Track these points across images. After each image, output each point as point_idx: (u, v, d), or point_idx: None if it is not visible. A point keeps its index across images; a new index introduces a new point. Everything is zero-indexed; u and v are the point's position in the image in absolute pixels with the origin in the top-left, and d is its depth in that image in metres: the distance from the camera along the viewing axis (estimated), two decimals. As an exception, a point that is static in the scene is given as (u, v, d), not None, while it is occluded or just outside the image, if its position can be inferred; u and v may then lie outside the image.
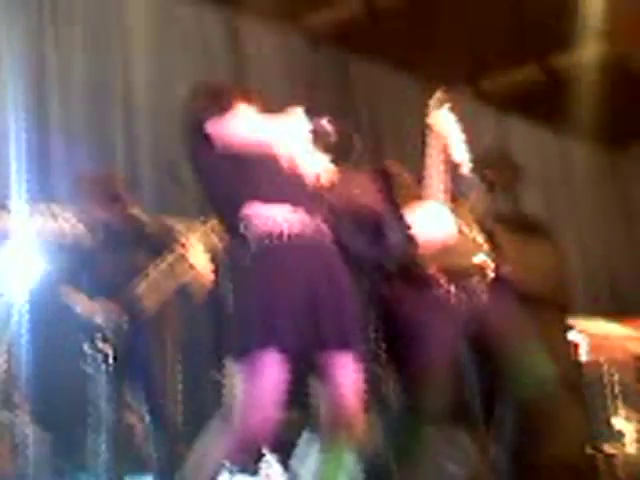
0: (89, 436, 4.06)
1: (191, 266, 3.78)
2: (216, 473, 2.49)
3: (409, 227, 2.75)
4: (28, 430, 4.63)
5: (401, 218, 2.78)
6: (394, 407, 3.00)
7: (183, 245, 3.78)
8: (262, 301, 2.46)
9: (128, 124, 6.50)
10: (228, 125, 2.60)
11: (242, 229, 2.55)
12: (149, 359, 4.00)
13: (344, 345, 2.55)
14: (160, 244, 3.92)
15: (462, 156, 2.95)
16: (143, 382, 3.98)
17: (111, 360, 3.87)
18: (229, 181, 2.61)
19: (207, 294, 3.91)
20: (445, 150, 2.90)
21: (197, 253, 3.77)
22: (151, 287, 3.84)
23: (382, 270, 2.89)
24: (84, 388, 4.31)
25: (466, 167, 2.96)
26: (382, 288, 2.91)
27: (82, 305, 3.95)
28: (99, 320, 3.88)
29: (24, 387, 4.89)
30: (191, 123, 2.67)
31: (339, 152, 2.61)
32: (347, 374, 2.54)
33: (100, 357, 3.88)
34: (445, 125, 2.92)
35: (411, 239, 2.74)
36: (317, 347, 2.53)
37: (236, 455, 2.57)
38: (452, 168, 2.92)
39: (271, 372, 2.41)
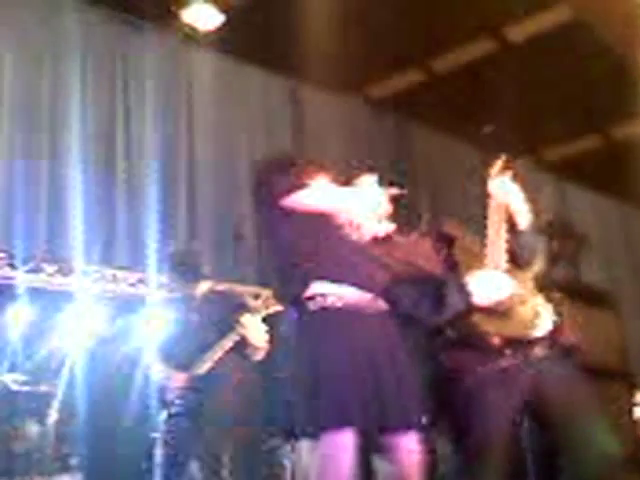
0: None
1: (251, 345, 4.22)
2: None
3: (469, 292, 2.72)
4: None
5: (462, 283, 2.75)
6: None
7: (243, 325, 4.19)
8: (332, 379, 2.47)
9: (190, 188, 6.61)
10: (302, 197, 2.64)
11: (307, 303, 2.57)
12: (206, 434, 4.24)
13: (407, 424, 2.58)
14: (226, 323, 4.27)
15: (525, 219, 2.93)
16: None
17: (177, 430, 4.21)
18: (297, 251, 2.63)
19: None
20: (507, 216, 2.88)
21: (256, 331, 4.18)
22: (217, 363, 4.22)
23: (442, 337, 2.85)
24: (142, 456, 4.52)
25: (529, 230, 2.93)
26: (442, 357, 2.87)
27: (161, 377, 4.34)
28: (172, 396, 4.25)
29: (82, 450, 4.99)
30: (264, 194, 2.70)
31: (404, 220, 2.65)
32: (411, 454, 2.56)
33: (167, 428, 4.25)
34: (506, 192, 2.90)
35: (470, 304, 2.72)
36: (382, 427, 2.54)
37: None
38: (515, 235, 2.88)
39: (347, 452, 2.44)
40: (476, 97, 8.12)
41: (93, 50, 6.37)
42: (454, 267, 2.94)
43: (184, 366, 4.27)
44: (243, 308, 4.34)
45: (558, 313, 3.07)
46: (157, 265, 5.81)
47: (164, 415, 4.28)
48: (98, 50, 6.40)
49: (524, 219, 2.93)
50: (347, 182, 2.79)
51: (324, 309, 2.55)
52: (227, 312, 4.32)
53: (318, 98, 7.76)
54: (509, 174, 2.94)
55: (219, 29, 6.77)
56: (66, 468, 4.93)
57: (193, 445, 4.22)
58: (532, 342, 2.82)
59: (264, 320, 4.27)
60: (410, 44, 7.44)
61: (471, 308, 2.73)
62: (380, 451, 2.57)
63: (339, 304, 2.57)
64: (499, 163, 2.94)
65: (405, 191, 2.85)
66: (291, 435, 4.86)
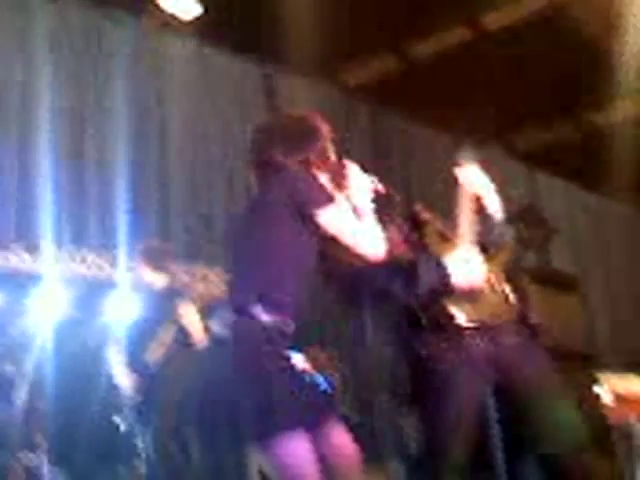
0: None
1: (188, 333, 4.49)
2: None
3: (444, 269, 2.76)
4: (46, 470, 4.86)
5: (438, 262, 2.80)
6: (417, 458, 2.98)
7: (180, 315, 4.47)
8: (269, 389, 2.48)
9: (163, 173, 6.59)
10: (331, 217, 2.57)
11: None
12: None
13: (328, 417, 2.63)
14: (171, 313, 4.55)
15: (494, 207, 2.97)
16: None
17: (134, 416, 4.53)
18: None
19: None
20: (475, 203, 2.92)
21: (191, 320, 4.46)
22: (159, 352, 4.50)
23: (415, 322, 2.88)
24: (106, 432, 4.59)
25: (499, 218, 2.97)
26: (415, 342, 2.90)
27: (119, 372, 4.62)
28: (127, 391, 4.56)
29: (46, 428, 5.02)
30: (290, 196, 2.59)
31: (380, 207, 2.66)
32: (339, 436, 2.62)
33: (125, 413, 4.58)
34: (474, 179, 2.94)
35: (446, 283, 2.75)
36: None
37: None
38: (483, 220, 2.93)
39: (303, 451, 2.47)
40: (451, 84, 8.16)
41: (64, 37, 6.32)
42: (424, 251, 2.98)
43: (134, 360, 4.55)
44: (184, 297, 4.60)
45: (524, 296, 3.13)
46: (128, 249, 5.80)
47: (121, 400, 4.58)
48: (69, 37, 6.35)
49: (493, 208, 2.97)
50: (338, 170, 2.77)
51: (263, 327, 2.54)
52: (174, 306, 4.55)
53: (292, 84, 7.74)
54: (478, 164, 2.97)
55: (193, 17, 6.75)
56: (31, 447, 4.95)
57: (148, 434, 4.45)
58: (501, 325, 2.86)
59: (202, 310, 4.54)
60: (386, 31, 7.46)
61: (446, 288, 2.77)
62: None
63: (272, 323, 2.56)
64: (466, 151, 2.98)
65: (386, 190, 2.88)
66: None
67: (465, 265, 2.78)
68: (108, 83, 6.42)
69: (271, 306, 2.54)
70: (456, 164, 2.98)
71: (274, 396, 2.46)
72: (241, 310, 2.54)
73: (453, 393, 2.76)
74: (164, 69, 6.80)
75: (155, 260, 4.72)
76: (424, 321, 2.84)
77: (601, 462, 4.57)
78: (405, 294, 2.79)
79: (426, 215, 3.09)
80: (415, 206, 3.16)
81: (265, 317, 2.53)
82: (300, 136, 2.73)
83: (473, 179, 2.95)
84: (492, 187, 2.98)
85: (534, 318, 3.00)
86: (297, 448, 2.46)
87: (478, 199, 2.93)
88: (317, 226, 2.58)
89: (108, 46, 6.49)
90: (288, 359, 2.60)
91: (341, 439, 2.63)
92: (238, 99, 7.30)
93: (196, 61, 6.98)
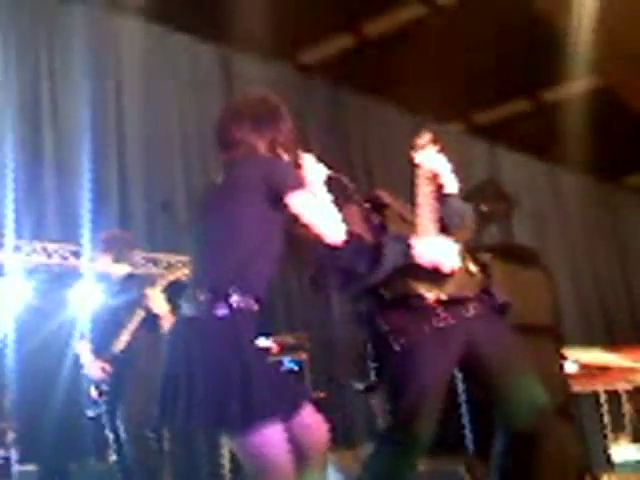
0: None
1: (156, 318, 4.46)
2: None
3: (410, 247, 2.78)
4: (16, 464, 4.88)
5: (403, 240, 2.81)
6: (382, 435, 2.98)
7: (149, 299, 4.44)
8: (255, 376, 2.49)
9: (121, 159, 6.52)
10: (303, 202, 2.58)
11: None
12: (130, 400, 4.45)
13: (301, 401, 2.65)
14: (136, 300, 4.52)
15: (452, 187, 2.99)
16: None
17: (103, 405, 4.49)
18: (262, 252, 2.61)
19: None
20: (434, 183, 2.94)
21: (157, 301, 4.44)
22: (127, 339, 4.49)
23: (378, 298, 2.88)
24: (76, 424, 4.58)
25: (457, 198, 3.00)
26: (378, 319, 2.90)
27: (86, 361, 4.56)
28: (96, 377, 4.51)
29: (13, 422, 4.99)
30: (265, 177, 2.59)
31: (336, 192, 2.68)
32: (310, 417, 2.64)
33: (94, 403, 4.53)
34: (431, 160, 2.96)
35: (410, 261, 2.77)
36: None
37: None
38: (442, 200, 2.95)
39: (278, 440, 2.48)
40: (407, 61, 8.16)
41: (17, 21, 6.21)
42: (385, 232, 2.98)
43: (101, 349, 4.51)
44: (149, 282, 4.59)
45: (488, 274, 3.14)
46: (90, 238, 5.75)
47: (92, 392, 4.51)
48: (22, 21, 6.24)
49: (452, 187, 2.98)
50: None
51: (236, 309, 2.54)
52: (139, 291, 4.53)
53: (248, 65, 7.69)
54: (435, 146, 2.99)
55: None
56: (1, 443, 4.92)
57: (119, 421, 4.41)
58: (465, 301, 2.87)
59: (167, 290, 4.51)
60: (340, 9, 7.43)
61: (410, 266, 2.77)
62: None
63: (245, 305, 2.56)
64: (425, 136, 2.99)
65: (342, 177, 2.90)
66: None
67: (431, 244, 2.80)
68: (61, 67, 6.32)
69: (244, 288, 2.53)
70: (413, 146, 2.99)
71: (250, 383, 2.46)
72: (216, 291, 2.52)
73: (417, 368, 2.76)
74: (119, 52, 6.71)
75: (115, 249, 4.70)
76: (387, 296, 2.84)
77: (564, 429, 4.65)
78: (370, 272, 2.80)
79: (386, 198, 3.10)
80: (375, 190, 3.17)
81: (239, 299, 2.52)
82: (267, 116, 2.72)
83: (430, 160, 2.96)
84: (449, 167, 2.99)
85: (498, 293, 2.99)
86: (272, 437, 2.46)
87: (436, 180, 2.95)
88: (287, 209, 2.57)
89: (59, 28, 6.39)
90: (261, 345, 2.61)
91: (312, 420, 2.65)
92: (194, 80, 7.23)
93: (150, 43, 6.89)
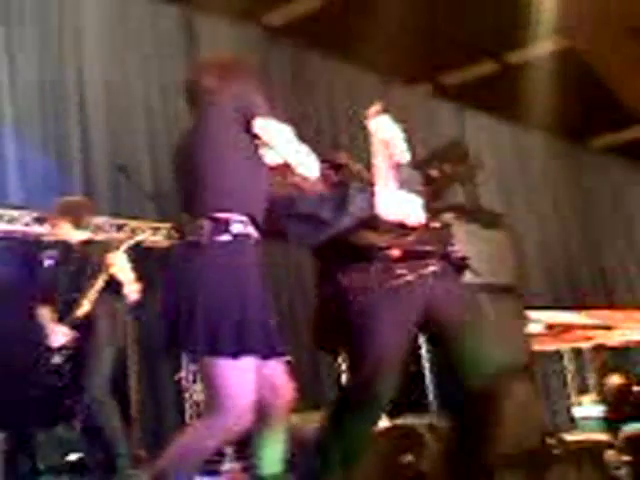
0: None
1: (119, 282, 4.46)
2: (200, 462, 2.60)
3: (374, 196, 2.79)
4: None
5: (369, 191, 2.83)
6: (345, 393, 2.98)
7: (111, 264, 4.41)
8: (235, 304, 2.56)
9: (83, 123, 6.43)
10: (274, 130, 2.69)
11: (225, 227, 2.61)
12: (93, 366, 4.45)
13: (282, 352, 2.74)
14: (98, 265, 4.49)
15: (403, 154, 3.01)
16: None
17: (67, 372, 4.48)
18: (236, 177, 2.68)
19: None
20: (387, 149, 2.96)
21: (121, 267, 4.44)
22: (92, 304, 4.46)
23: (341, 250, 2.86)
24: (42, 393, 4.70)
25: (408, 167, 3.03)
26: (339, 276, 2.89)
27: (49, 328, 4.53)
28: (57, 343, 4.49)
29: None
30: (236, 104, 2.70)
31: None
32: (279, 376, 2.75)
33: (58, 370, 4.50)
34: (384, 128, 2.98)
35: (374, 212, 2.77)
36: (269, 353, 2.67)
37: (223, 440, 2.68)
38: (396, 167, 2.97)
39: (253, 374, 2.56)
40: (373, 23, 8.09)
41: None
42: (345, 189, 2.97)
43: (62, 314, 4.49)
44: (111, 246, 4.58)
45: (449, 232, 3.14)
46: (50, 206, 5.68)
47: (55, 359, 4.49)
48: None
49: (402, 156, 3.00)
50: None
51: (239, 235, 2.62)
52: (101, 256, 4.50)
53: (213, 26, 7.58)
54: (386, 115, 3.02)
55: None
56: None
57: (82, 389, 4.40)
58: (426, 256, 2.87)
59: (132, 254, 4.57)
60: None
61: (374, 217, 2.79)
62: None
63: (246, 232, 2.65)
64: (376, 106, 3.01)
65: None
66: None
67: (395, 196, 2.83)
68: (19, 35, 6.19)
69: (243, 215, 2.63)
70: (365, 115, 3.01)
71: (244, 310, 2.55)
72: (216, 218, 2.60)
73: (376, 327, 2.76)
74: (78, 15, 6.58)
75: (74, 215, 4.65)
76: (349, 247, 2.83)
77: (526, 388, 4.72)
78: (334, 219, 2.78)
79: (343, 159, 3.10)
80: (332, 153, 3.18)
81: (239, 226, 2.62)
82: (238, 71, 2.86)
83: (382, 127, 2.98)
84: (399, 134, 3.01)
85: (458, 253, 3.00)
86: (246, 371, 2.54)
87: (388, 147, 2.97)
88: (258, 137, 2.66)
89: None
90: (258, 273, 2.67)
91: (280, 380, 2.74)
92: (158, 43, 7.12)
93: (111, 6, 6.76)
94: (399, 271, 2.81)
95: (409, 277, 2.81)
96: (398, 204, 2.83)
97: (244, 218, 2.64)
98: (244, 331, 2.53)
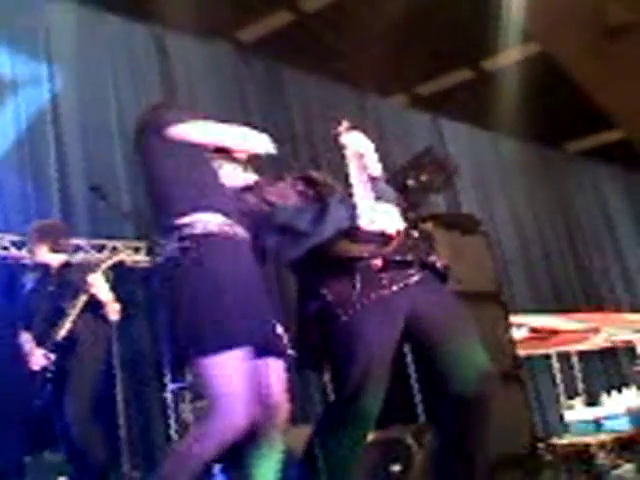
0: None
1: (100, 302, 4.48)
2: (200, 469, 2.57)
3: (355, 209, 2.78)
4: None
5: (349, 202, 2.83)
6: (331, 410, 2.95)
7: (91, 285, 4.41)
8: (220, 301, 2.57)
9: (58, 143, 6.39)
10: (189, 128, 2.76)
11: (188, 228, 2.64)
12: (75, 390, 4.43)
13: (281, 350, 2.79)
14: (77, 286, 4.48)
15: (375, 167, 3.03)
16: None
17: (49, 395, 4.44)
18: (180, 182, 2.73)
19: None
20: (360, 163, 2.98)
21: (100, 287, 4.44)
22: (73, 327, 4.45)
23: (321, 263, 2.85)
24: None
25: (381, 181, 3.04)
26: (323, 290, 2.86)
27: (30, 351, 4.51)
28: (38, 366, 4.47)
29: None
30: (149, 129, 2.81)
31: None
32: (278, 378, 2.78)
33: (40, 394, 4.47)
34: (356, 142, 3.00)
35: (354, 223, 2.77)
36: (265, 351, 2.71)
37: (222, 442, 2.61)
38: (371, 180, 2.99)
39: (243, 369, 2.56)
40: (347, 36, 8.13)
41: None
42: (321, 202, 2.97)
43: (42, 337, 4.47)
44: (89, 267, 4.58)
45: (429, 240, 3.13)
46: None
47: (37, 382, 4.46)
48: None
49: (375, 169, 3.03)
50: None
51: (206, 235, 2.64)
52: (80, 277, 4.49)
53: (185, 45, 7.57)
54: (356, 130, 3.04)
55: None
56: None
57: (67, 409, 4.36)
58: (407, 265, 2.85)
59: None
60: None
61: (353, 229, 2.77)
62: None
63: (217, 230, 2.67)
64: (344, 124, 3.03)
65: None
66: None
67: (374, 207, 2.82)
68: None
69: (207, 212, 2.67)
70: (337, 132, 3.02)
71: (221, 308, 2.56)
72: (168, 230, 2.66)
73: (361, 341, 2.73)
74: (51, 35, 6.55)
75: (50, 238, 4.64)
76: (330, 259, 2.81)
77: (513, 394, 4.71)
78: (313, 231, 2.77)
79: (316, 175, 3.11)
80: (308, 170, 3.19)
81: (219, 225, 2.66)
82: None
83: (355, 142, 2.99)
84: (372, 148, 3.03)
85: (440, 261, 2.98)
86: (233, 368, 2.54)
87: (362, 160, 2.99)
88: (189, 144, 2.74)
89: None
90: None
91: (277, 387, 2.78)
92: (131, 62, 7.10)
93: (84, 25, 6.74)
94: (383, 282, 2.79)
95: (394, 287, 2.79)
96: (377, 214, 2.82)
97: (208, 216, 2.67)
98: (225, 327, 2.54)
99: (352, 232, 2.79)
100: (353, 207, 2.80)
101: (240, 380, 2.54)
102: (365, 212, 2.79)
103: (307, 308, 2.90)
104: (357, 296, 2.75)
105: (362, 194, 2.89)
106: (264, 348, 2.67)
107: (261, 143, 2.89)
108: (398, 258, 2.83)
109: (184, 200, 2.68)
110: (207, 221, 2.65)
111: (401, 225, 2.87)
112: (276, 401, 2.78)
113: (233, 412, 2.52)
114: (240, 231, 2.72)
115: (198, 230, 2.63)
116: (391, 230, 2.82)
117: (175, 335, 2.59)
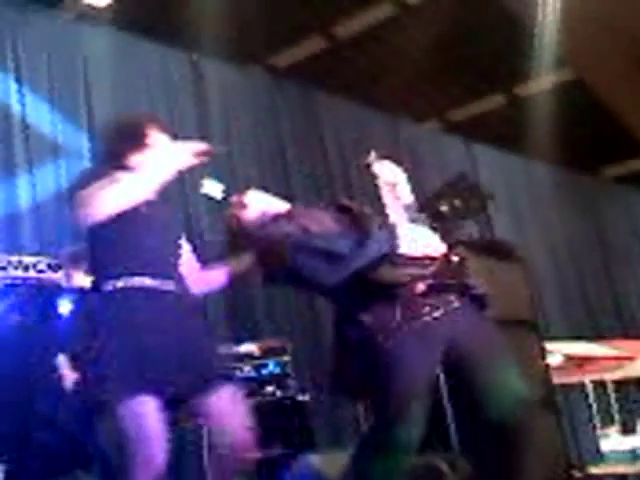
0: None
1: None
2: None
3: (394, 233, 2.78)
4: None
5: (388, 226, 2.83)
6: (370, 437, 2.92)
7: None
8: (133, 348, 2.77)
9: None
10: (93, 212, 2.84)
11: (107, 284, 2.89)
12: None
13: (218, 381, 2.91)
14: None
15: (407, 196, 3.05)
16: None
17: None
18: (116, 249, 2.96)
19: None
20: (395, 192, 2.99)
21: None
22: None
23: (361, 288, 2.82)
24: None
25: (414, 207, 3.05)
26: (363, 316, 2.82)
27: (66, 374, 4.70)
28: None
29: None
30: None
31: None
32: (230, 407, 2.90)
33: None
34: (388, 171, 3.02)
35: (395, 248, 2.75)
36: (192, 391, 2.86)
37: None
38: (405, 209, 3.00)
39: (154, 413, 2.69)
40: (380, 62, 8.16)
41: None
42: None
43: (78, 359, 4.63)
44: None
45: (466, 269, 3.09)
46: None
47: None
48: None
49: (406, 197, 3.05)
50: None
51: (121, 289, 2.87)
52: None
53: (220, 70, 7.65)
54: (387, 160, 3.07)
55: (111, 4, 6.59)
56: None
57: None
58: (448, 289, 2.82)
59: None
60: (311, 10, 7.42)
61: (394, 254, 2.76)
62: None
63: (134, 284, 2.88)
64: (374, 153, 3.05)
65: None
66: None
67: (414, 231, 2.83)
68: (30, 80, 6.25)
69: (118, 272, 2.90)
70: (368, 162, 3.03)
71: (135, 356, 2.74)
72: (95, 281, 2.94)
73: (402, 368, 2.70)
74: (87, 61, 6.65)
75: (82, 263, 4.71)
76: (371, 284, 2.78)
77: (549, 422, 4.65)
78: (354, 255, 2.75)
79: (350, 203, 3.11)
80: (340, 199, 3.21)
81: (115, 282, 2.88)
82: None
83: (386, 171, 3.02)
84: (404, 177, 3.06)
85: (479, 287, 2.96)
86: (150, 411, 2.68)
87: (394, 189, 3.00)
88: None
89: (27, 38, 6.32)
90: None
91: (226, 406, 2.87)
92: (166, 87, 7.18)
93: (119, 51, 6.82)
94: (425, 308, 2.76)
95: (435, 314, 2.77)
96: (417, 238, 2.82)
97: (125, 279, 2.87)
98: (134, 373, 2.69)
99: (393, 257, 2.78)
100: (393, 232, 2.80)
101: (151, 426, 2.66)
102: (405, 237, 2.79)
103: (346, 334, 2.88)
104: (399, 322, 2.72)
105: (399, 220, 2.89)
106: (194, 386, 2.81)
107: (180, 159, 2.93)
108: (439, 283, 2.81)
109: (112, 266, 2.91)
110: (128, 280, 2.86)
111: (442, 248, 2.86)
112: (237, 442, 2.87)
113: (146, 459, 2.63)
114: (167, 285, 2.91)
115: (119, 285, 2.85)
116: (434, 253, 2.82)
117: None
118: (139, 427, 2.65)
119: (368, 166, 3.02)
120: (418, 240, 2.82)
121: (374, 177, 3.00)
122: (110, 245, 2.93)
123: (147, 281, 2.87)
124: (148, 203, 2.93)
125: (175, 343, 2.81)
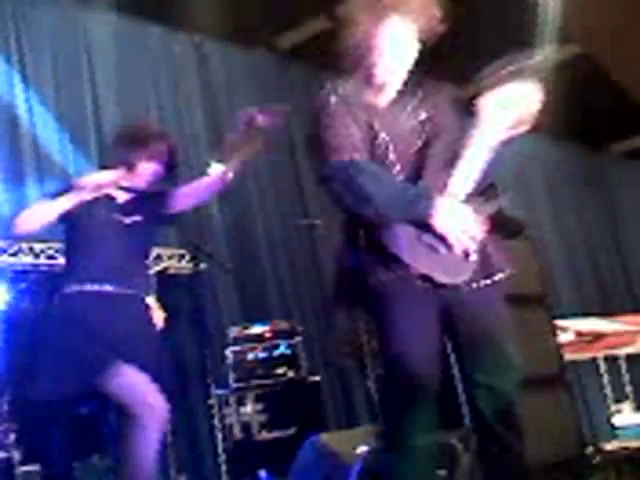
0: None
1: None
2: None
3: (431, 205, 2.59)
4: (20, 469, 4.84)
5: (426, 191, 2.63)
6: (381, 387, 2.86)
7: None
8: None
9: (100, 151, 6.46)
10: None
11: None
12: None
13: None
14: None
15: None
16: None
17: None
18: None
19: None
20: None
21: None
22: None
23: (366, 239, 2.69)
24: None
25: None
26: (375, 285, 2.75)
27: None
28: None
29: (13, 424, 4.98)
30: None
31: None
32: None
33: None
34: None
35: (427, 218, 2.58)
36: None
37: None
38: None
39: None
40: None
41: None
42: None
43: None
44: None
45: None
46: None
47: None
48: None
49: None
50: None
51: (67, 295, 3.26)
52: None
53: (224, 52, 7.62)
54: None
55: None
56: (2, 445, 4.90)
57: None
58: (458, 270, 2.72)
59: None
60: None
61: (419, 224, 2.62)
62: None
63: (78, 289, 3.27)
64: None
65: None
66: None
67: (456, 213, 2.65)
68: (33, 67, 6.25)
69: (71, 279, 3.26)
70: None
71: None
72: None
73: (406, 307, 2.62)
74: (89, 45, 6.64)
75: None
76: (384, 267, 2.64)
77: (559, 398, 4.63)
78: (375, 197, 2.57)
79: None
80: None
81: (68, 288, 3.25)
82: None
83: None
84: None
85: (498, 264, 2.86)
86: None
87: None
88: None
89: (29, 25, 6.31)
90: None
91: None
92: (170, 70, 7.17)
93: (123, 34, 6.82)
94: (432, 281, 2.68)
95: (444, 279, 2.68)
96: (456, 223, 2.64)
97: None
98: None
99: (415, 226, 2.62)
100: (431, 204, 2.60)
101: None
102: (445, 213, 2.61)
103: (346, 261, 2.76)
104: (403, 273, 2.62)
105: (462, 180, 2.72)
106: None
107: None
108: (450, 280, 2.70)
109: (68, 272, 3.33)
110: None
111: (474, 245, 2.73)
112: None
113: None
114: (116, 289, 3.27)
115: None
116: (459, 248, 2.65)
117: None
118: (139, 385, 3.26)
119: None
120: (457, 224, 2.62)
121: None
122: (67, 250, 3.40)
123: (88, 287, 3.24)
124: (110, 208, 3.33)
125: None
